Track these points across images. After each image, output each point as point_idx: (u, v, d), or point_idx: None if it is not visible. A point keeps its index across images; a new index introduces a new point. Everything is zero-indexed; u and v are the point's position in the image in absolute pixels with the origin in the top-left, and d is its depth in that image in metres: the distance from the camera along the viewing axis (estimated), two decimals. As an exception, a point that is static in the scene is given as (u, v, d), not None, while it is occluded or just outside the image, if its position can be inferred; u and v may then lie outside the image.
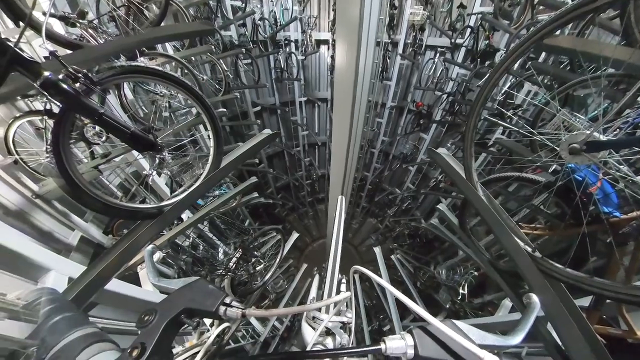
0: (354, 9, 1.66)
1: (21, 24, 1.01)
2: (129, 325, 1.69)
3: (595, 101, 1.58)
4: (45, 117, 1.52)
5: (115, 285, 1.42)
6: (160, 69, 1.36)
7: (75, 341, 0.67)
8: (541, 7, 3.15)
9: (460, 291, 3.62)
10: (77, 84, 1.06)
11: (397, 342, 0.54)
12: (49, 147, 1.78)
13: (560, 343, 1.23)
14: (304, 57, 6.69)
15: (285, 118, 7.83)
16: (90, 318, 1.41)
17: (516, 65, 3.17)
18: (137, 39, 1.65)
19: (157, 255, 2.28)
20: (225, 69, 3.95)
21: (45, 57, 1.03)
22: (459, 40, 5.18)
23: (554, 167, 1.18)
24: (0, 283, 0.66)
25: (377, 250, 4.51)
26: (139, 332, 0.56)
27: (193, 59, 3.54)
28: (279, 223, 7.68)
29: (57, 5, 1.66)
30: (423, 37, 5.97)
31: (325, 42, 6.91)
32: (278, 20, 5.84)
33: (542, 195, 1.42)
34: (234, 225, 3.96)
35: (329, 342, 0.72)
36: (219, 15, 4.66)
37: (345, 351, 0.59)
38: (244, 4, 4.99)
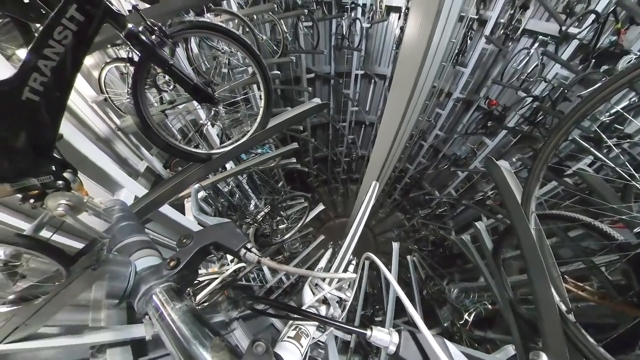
0: None
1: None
2: (170, 242, 2.15)
3: None
4: (128, 64, 1.83)
5: (166, 209, 1.79)
6: (223, 25, 1.42)
7: (134, 243, 0.90)
8: None
9: (465, 316, 3.36)
10: (153, 36, 1.22)
11: (384, 335, 0.56)
12: (129, 90, 2.15)
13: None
14: (369, 25, 5.97)
15: (337, 90, 7.51)
16: (145, 229, 1.85)
17: None
18: (206, -6, 1.74)
19: (201, 194, 2.73)
20: (285, 30, 3.90)
21: (128, 11, 1.19)
22: (572, 30, 3.72)
23: None
24: (90, 189, 0.93)
25: (395, 245, 4.42)
26: (177, 249, 0.70)
27: (255, 17, 3.57)
28: (309, 191, 7.99)
29: None
30: (523, 18, 4.46)
31: (397, 9, 5.88)
32: None
33: (611, 256, 1.13)
34: (268, 184, 4.33)
35: (323, 310, 0.79)
36: None
37: (335, 323, 0.63)
38: None
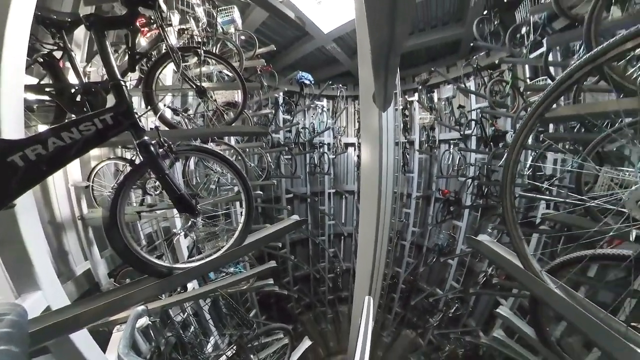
0: (374, 120, 2.10)
1: (148, 107, 1.66)
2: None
3: (634, 151, 1.45)
4: (127, 164, 1.99)
5: (81, 337, 1.20)
6: (221, 152, 1.69)
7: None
8: (528, 92, 3.59)
9: None
10: (161, 150, 1.45)
11: None
12: (116, 185, 2.16)
13: None
14: (334, 156, 8.09)
15: (314, 207, 8.33)
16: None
17: (530, 140, 3.24)
18: (213, 131, 2.31)
19: (143, 321, 1.97)
20: (270, 160, 4.91)
21: (150, 128, 1.49)
22: (467, 132, 5.88)
23: (634, 233, 0.88)
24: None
25: None
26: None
27: (247, 149, 4.57)
28: (289, 322, 6.35)
29: (175, 102, 2.65)
30: (435, 135, 7.04)
31: (352, 144, 8.52)
32: (315, 129, 7.71)
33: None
34: (238, 313, 3.44)
35: None
36: (272, 124, 6.43)
37: None
38: (292, 118, 6.96)
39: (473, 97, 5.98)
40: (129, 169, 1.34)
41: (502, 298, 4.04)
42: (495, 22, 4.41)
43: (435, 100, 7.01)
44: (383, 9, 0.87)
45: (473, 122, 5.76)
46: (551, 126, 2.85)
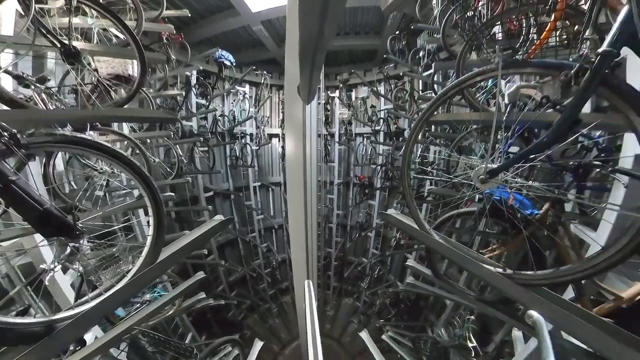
0: (298, 112, 2.12)
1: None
2: None
3: (477, 146, 2.35)
4: None
5: None
6: (107, 145, 1.20)
7: None
8: (420, 101, 4.91)
9: (469, 345, 3.18)
10: (-3, 142, 0.88)
11: None
12: None
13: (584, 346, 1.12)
14: (257, 147, 7.62)
15: (239, 203, 7.68)
16: None
17: (420, 137, 4.51)
18: (93, 114, 1.60)
19: None
20: (180, 154, 3.98)
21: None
22: (377, 127, 7.28)
23: (477, 197, 1.44)
24: None
25: (364, 335, 3.80)
26: None
27: (148, 141, 3.50)
28: (235, 331, 5.85)
29: (19, 65, 1.54)
30: (352, 129, 8.18)
31: (276, 135, 8.33)
32: (236, 118, 6.92)
33: (482, 221, 1.74)
34: (169, 346, 2.79)
35: None
36: (182, 108, 5.20)
37: None
38: (208, 103, 5.81)
39: (382, 99, 7.25)
40: None
41: (409, 253, 5.53)
42: (403, 42, 5.57)
43: (353, 98, 8.00)
44: (315, 7, 0.90)
45: (381, 120, 7.06)
46: (433, 127, 3.98)
